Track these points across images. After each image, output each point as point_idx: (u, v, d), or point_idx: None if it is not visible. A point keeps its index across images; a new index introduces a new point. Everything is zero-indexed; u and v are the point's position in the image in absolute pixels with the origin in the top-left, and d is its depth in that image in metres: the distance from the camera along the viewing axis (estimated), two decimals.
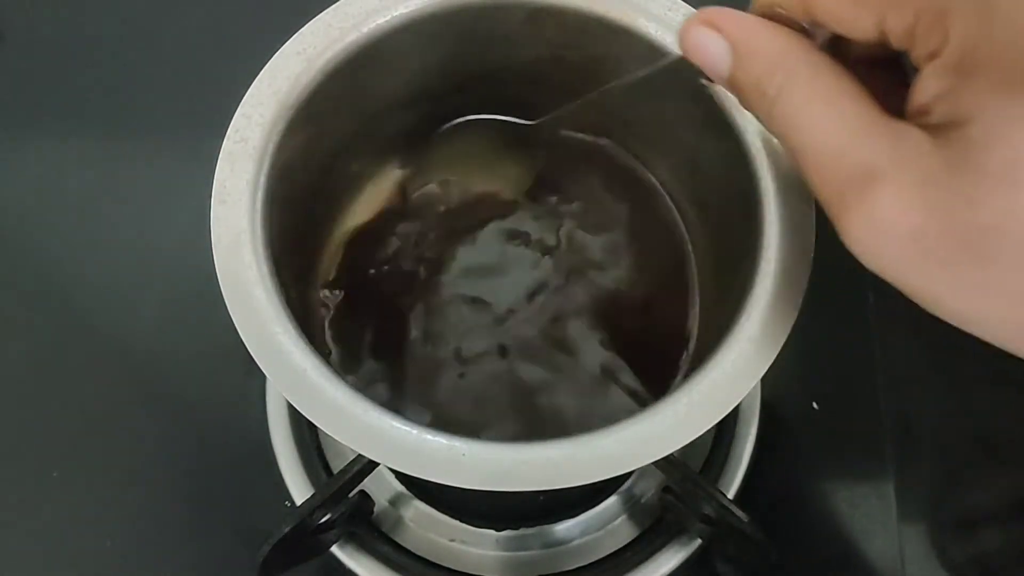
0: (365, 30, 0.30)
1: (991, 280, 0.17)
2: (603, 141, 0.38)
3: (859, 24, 0.19)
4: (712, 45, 0.21)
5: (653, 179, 0.38)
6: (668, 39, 0.30)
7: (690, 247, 0.37)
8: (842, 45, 0.21)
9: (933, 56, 0.17)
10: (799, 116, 0.19)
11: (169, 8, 0.51)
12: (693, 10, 0.30)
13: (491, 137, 0.36)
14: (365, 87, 0.32)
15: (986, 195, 0.16)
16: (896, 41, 0.18)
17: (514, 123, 0.34)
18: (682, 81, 0.24)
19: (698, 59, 0.22)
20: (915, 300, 0.18)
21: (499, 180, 0.37)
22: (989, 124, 0.16)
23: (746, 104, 0.21)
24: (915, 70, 0.19)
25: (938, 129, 0.17)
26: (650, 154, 0.37)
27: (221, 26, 0.51)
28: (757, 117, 0.21)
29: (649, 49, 0.30)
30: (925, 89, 0.18)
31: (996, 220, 0.16)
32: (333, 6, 0.30)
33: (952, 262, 0.17)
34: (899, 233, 0.17)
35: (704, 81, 0.23)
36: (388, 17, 0.30)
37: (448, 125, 0.34)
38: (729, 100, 0.29)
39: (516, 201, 0.36)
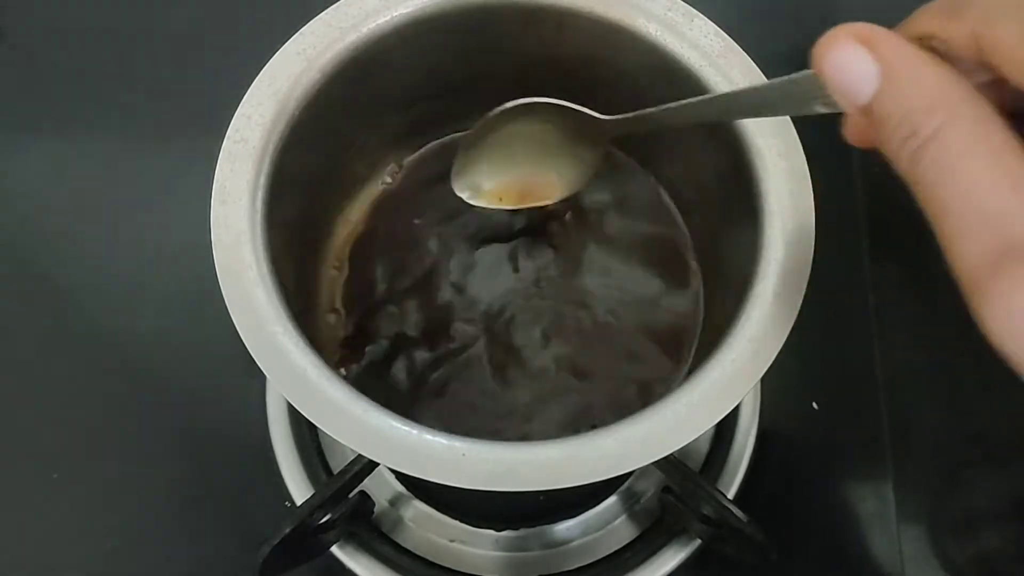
0: (365, 30, 0.30)
1: None
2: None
3: None
4: (859, 64, 0.18)
5: (654, 180, 0.38)
6: (668, 39, 0.30)
7: (691, 247, 0.37)
8: (993, 94, 0.18)
9: None
10: (956, 167, 0.17)
11: (169, 8, 0.51)
12: (693, 10, 0.30)
13: (555, 125, 0.32)
14: (365, 87, 0.32)
15: None
16: None
17: (585, 114, 0.30)
18: (796, 104, 0.22)
19: (836, 77, 0.19)
20: None
21: (551, 175, 0.33)
22: None
23: (886, 139, 0.18)
24: None
25: None
26: (651, 156, 0.37)
27: (221, 26, 0.51)
28: (891, 157, 0.18)
29: (650, 49, 0.30)
30: None
31: None
32: (333, 6, 0.30)
33: None
34: None
35: (819, 108, 0.20)
36: (388, 17, 0.30)
37: (510, 104, 0.31)
38: None
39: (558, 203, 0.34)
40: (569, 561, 0.39)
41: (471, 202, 0.34)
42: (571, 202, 0.37)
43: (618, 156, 0.38)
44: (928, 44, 0.18)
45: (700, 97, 0.26)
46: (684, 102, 0.27)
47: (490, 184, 0.34)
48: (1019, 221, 0.16)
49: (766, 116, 0.24)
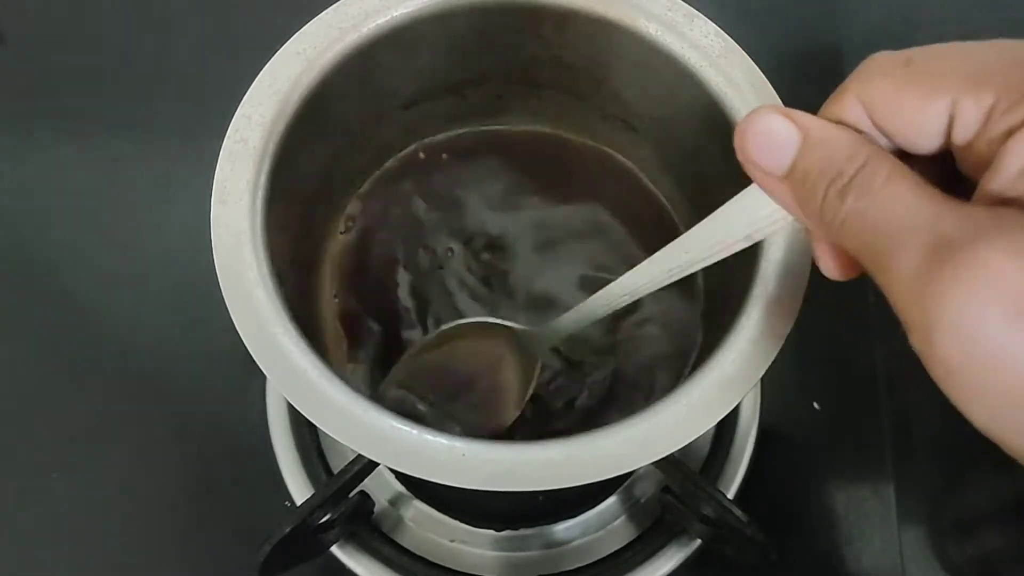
0: (365, 30, 0.30)
1: None
2: (603, 148, 0.38)
3: (927, 113, 0.18)
4: (781, 128, 0.20)
5: (649, 181, 0.38)
6: (668, 39, 0.30)
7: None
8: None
9: (1013, 132, 0.17)
10: (884, 189, 0.18)
11: (169, 8, 0.51)
12: (693, 10, 0.30)
13: (489, 345, 0.32)
14: (365, 87, 0.32)
15: None
16: (965, 126, 0.18)
17: (511, 328, 0.31)
18: (718, 237, 0.23)
19: (758, 146, 0.20)
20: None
21: (492, 402, 0.33)
22: None
23: (809, 192, 0.20)
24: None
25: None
26: (649, 156, 0.37)
27: (221, 26, 0.51)
28: (814, 216, 0.20)
29: (650, 49, 0.30)
30: (1006, 167, 0.17)
31: None
32: (333, 6, 0.30)
33: None
34: (1009, 295, 0.15)
35: (741, 244, 0.23)
36: (388, 17, 0.30)
37: (433, 335, 0.32)
38: (731, 100, 0.29)
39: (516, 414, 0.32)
40: (569, 561, 0.39)
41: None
42: (573, 205, 0.37)
43: (615, 158, 0.38)
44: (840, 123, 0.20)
45: (621, 278, 0.27)
46: (585, 305, 0.28)
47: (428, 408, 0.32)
48: (948, 222, 0.17)
49: (701, 265, 0.25)
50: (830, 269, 0.22)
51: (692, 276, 0.36)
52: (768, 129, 0.20)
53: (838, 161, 0.19)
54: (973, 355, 0.16)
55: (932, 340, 0.16)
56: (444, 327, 0.33)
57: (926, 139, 0.19)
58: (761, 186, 0.21)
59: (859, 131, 0.20)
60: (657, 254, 0.25)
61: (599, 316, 0.29)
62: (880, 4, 0.51)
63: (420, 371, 0.33)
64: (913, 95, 0.18)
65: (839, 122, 0.20)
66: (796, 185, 0.20)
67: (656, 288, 0.26)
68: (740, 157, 0.21)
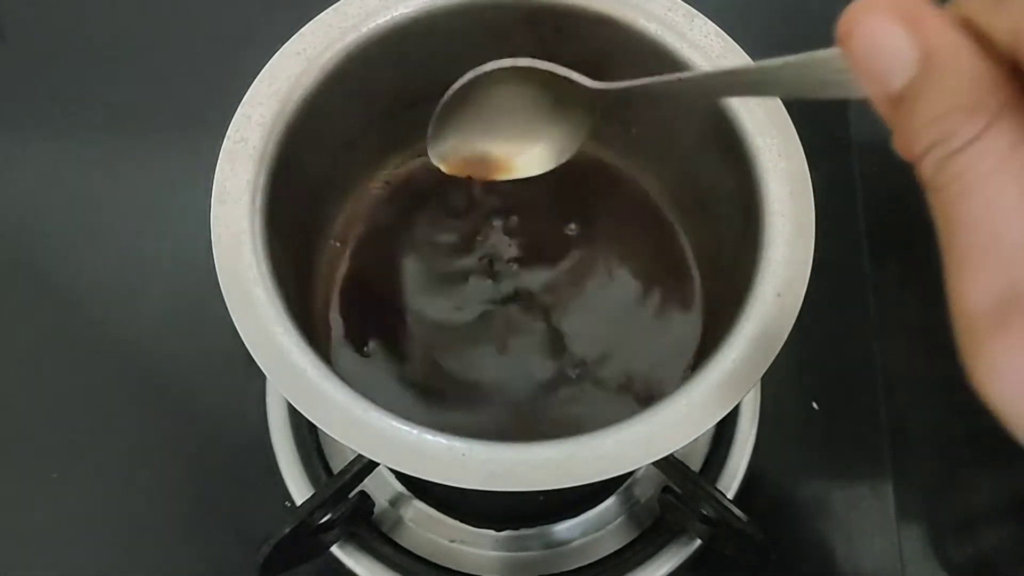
0: (365, 30, 0.30)
1: None
2: (603, 152, 0.38)
3: None
4: (896, 44, 0.15)
5: (652, 182, 0.38)
6: (668, 39, 0.30)
7: (690, 247, 0.37)
8: None
9: None
10: (984, 184, 0.15)
11: (169, 8, 0.51)
12: (693, 10, 0.30)
13: (539, 91, 0.29)
14: (365, 87, 0.32)
15: None
16: None
17: (573, 80, 0.28)
18: (812, 87, 0.19)
19: (863, 58, 0.16)
20: None
21: (535, 146, 0.30)
22: None
23: (912, 138, 0.16)
24: None
25: None
26: (650, 158, 0.37)
27: (221, 26, 0.51)
28: (911, 156, 0.16)
29: (649, 49, 0.30)
30: None
31: None
32: (333, 6, 0.30)
33: None
34: None
35: (836, 92, 0.18)
36: (388, 17, 0.30)
37: (490, 67, 0.28)
38: (731, 101, 0.29)
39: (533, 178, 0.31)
40: (569, 561, 0.39)
41: (449, 172, 0.31)
42: (572, 206, 0.37)
43: (615, 162, 0.38)
44: (973, 32, 0.15)
45: (704, 71, 0.25)
46: (686, 75, 0.25)
47: (467, 152, 0.31)
48: None
49: (774, 95, 0.23)
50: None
51: (692, 275, 0.36)
52: (880, 39, 0.15)
53: (956, 115, 0.15)
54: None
55: (978, 384, 0.15)
56: (478, 71, 0.28)
57: None
58: (864, 91, 0.16)
59: (1011, 58, 0.15)
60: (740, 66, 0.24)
61: (660, 96, 0.27)
62: None
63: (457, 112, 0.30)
64: None
65: (985, 37, 0.15)
66: (901, 119, 0.16)
67: (729, 95, 0.25)
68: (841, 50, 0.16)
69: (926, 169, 0.16)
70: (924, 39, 0.15)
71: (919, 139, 0.15)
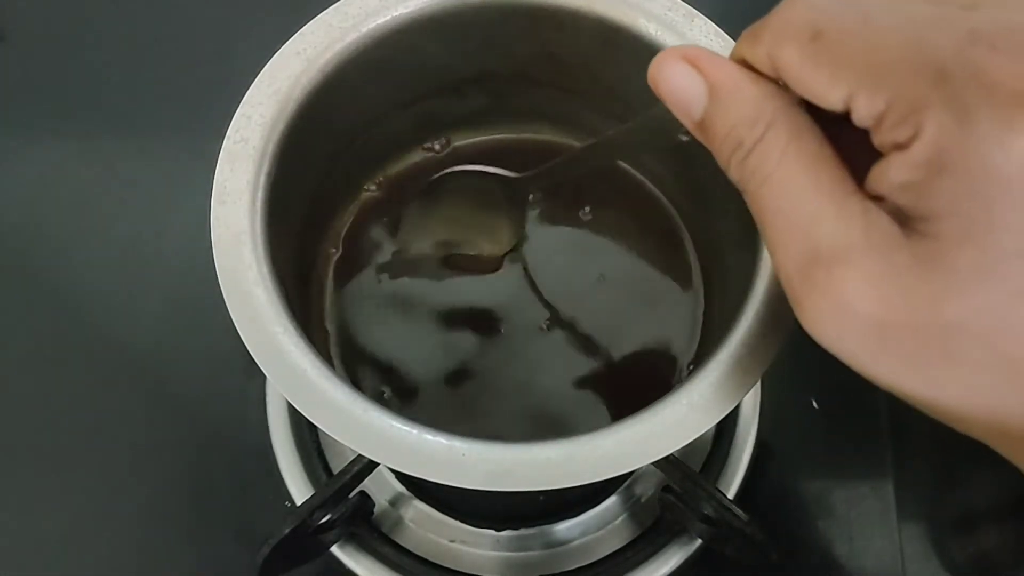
0: (365, 30, 0.30)
1: (955, 378, 0.16)
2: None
3: (828, 97, 0.17)
4: (687, 82, 0.20)
5: (650, 181, 0.38)
6: (668, 39, 0.30)
7: (690, 247, 0.37)
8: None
9: (900, 147, 0.16)
10: (773, 175, 0.18)
11: (169, 8, 0.51)
12: (693, 10, 0.30)
13: (475, 192, 0.35)
14: (365, 87, 0.32)
15: (954, 295, 0.16)
16: (860, 121, 0.17)
17: (498, 176, 0.34)
18: (663, 135, 0.23)
19: (669, 96, 0.20)
20: (877, 385, 0.18)
21: (485, 238, 0.36)
22: (960, 225, 0.16)
23: (717, 152, 0.20)
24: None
25: (901, 215, 0.17)
26: (648, 156, 0.37)
27: (221, 26, 0.51)
28: (726, 170, 0.20)
29: (650, 49, 0.30)
30: (889, 176, 0.17)
31: (963, 320, 0.16)
32: (333, 6, 0.30)
33: (915, 358, 0.17)
34: (861, 323, 0.17)
35: (683, 137, 0.21)
36: (388, 17, 0.30)
37: (431, 178, 0.34)
38: None
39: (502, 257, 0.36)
40: (569, 561, 0.39)
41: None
42: (572, 206, 0.37)
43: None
44: (750, 65, 0.19)
45: (583, 145, 0.30)
46: (584, 146, 0.30)
47: (427, 245, 0.36)
48: (824, 225, 0.17)
49: (645, 152, 0.26)
50: None
51: (691, 276, 0.36)
52: (676, 79, 0.20)
53: (741, 127, 0.19)
54: (841, 356, 0.18)
55: (810, 332, 0.18)
56: (434, 176, 0.35)
57: (833, 110, 0.18)
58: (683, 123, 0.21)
59: (772, 79, 0.19)
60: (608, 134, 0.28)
61: (571, 172, 0.32)
62: None
63: (419, 222, 0.36)
64: (815, 74, 0.18)
65: (753, 67, 0.19)
66: (707, 141, 0.20)
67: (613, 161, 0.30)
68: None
69: (733, 174, 0.19)
70: (709, 76, 0.20)
71: (722, 151, 0.19)
